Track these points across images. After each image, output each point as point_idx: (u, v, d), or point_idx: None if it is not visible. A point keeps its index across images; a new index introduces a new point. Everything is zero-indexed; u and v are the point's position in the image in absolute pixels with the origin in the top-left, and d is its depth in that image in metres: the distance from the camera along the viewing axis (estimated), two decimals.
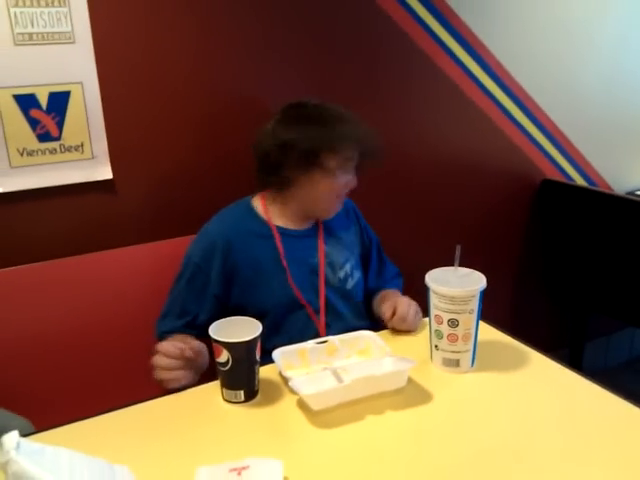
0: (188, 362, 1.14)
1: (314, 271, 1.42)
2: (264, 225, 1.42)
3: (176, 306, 1.39)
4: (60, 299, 1.47)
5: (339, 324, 1.40)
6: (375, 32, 1.83)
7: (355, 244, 1.53)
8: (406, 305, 1.33)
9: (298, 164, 1.34)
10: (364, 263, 1.55)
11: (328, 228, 1.48)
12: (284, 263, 1.39)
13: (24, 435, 0.93)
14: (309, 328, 1.39)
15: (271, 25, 1.68)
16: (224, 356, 1.05)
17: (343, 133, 1.34)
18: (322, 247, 1.45)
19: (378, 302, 1.48)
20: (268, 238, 1.41)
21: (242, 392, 1.08)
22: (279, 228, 1.42)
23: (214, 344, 1.07)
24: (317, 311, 1.41)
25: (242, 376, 1.08)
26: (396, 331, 1.33)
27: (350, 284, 1.46)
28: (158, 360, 1.13)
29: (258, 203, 1.46)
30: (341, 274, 1.45)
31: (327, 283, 1.43)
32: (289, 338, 1.27)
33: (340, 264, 1.45)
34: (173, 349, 1.12)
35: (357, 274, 1.49)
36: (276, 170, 1.37)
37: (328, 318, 1.42)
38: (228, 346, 1.05)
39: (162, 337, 1.34)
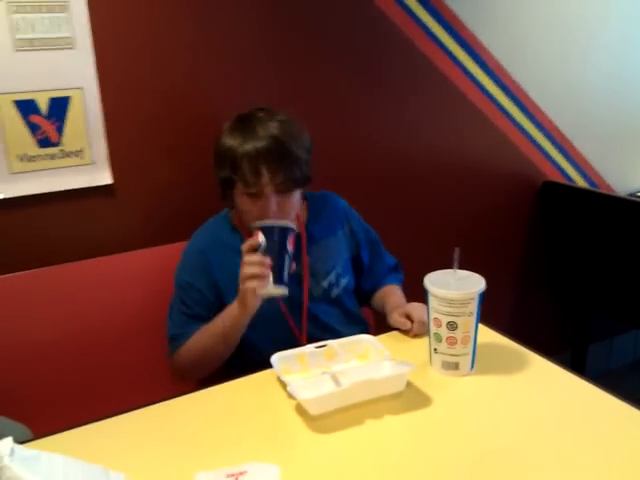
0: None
1: (298, 283, 1.37)
2: (238, 237, 1.37)
3: (187, 327, 1.35)
4: (61, 305, 1.47)
5: (323, 335, 1.30)
6: (373, 33, 1.83)
7: (343, 249, 1.48)
8: (418, 308, 1.30)
9: (221, 181, 1.36)
10: (355, 265, 1.51)
11: (311, 237, 1.43)
12: None
13: (21, 442, 0.93)
14: (290, 342, 1.29)
15: (269, 27, 1.68)
16: (259, 239, 1.19)
17: (249, 150, 1.26)
18: (305, 259, 1.40)
19: (378, 300, 1.50)
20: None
21: (271, 277, 1.17)
22: None
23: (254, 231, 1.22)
24: (299, 324, 1.38)
25: (272, 260, 1.18)
26: (417, 335, 1.31)
27: (335, 292, 1.43)
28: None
29: (233, 214, 1.43)
30: (325, 283, 1.42)
31: (310, 295, 1.40)
32: (269, 351, 1.20)
33: (323, 274, 1.42)
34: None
35: (344, 281, 1.45)
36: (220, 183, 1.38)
37: (310, 331, 1.38)
38: (263, 230, 1.20)
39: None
